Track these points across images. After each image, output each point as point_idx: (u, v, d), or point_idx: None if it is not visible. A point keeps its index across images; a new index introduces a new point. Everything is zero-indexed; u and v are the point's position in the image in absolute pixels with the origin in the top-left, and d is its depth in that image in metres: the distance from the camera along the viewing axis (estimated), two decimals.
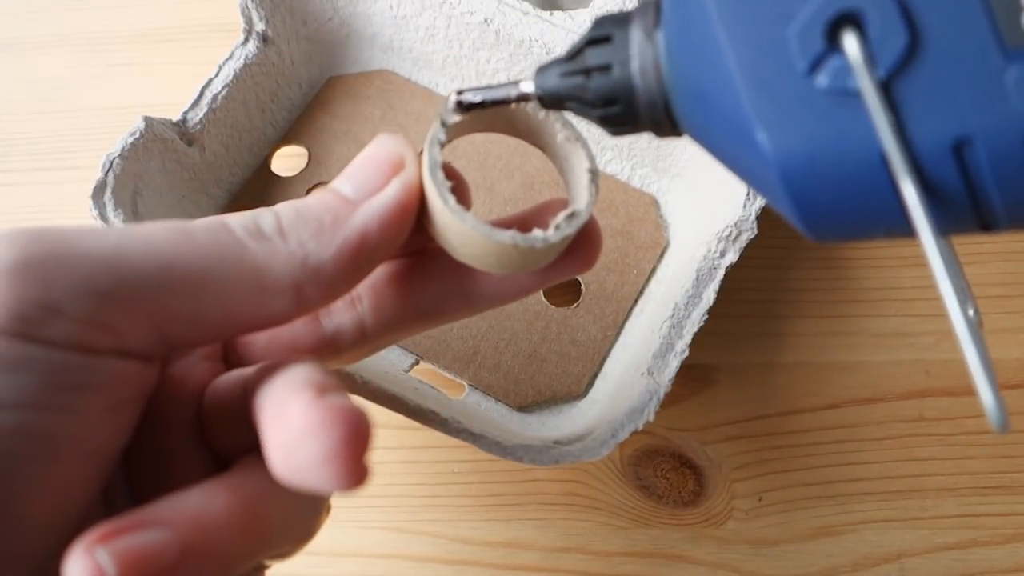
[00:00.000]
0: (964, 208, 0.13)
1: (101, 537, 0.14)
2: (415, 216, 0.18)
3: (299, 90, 0.36)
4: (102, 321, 0.15)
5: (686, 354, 0.28)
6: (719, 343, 0.33)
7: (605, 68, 0.16)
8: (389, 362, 0.31)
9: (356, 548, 0.31)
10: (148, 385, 0.17)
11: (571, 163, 0.19)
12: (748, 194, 0.30)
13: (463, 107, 0.18)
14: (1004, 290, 0.34)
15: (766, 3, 0.14)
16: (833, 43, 0.13)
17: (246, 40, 0.33)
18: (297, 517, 0.18)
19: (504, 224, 0.18)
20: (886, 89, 0.13)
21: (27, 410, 0.14)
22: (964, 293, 0.14)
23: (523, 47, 0.33)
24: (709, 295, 0.29)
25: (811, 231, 0.15)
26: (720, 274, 0.29)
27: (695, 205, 0.33)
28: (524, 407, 0.31)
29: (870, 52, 0.13)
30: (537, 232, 0.17)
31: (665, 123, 0.16)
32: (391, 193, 0.17)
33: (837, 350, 0.33)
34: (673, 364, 0.28)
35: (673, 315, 0.29)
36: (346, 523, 0.31)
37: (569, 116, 0.19)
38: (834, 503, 0.31)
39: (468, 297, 0.20)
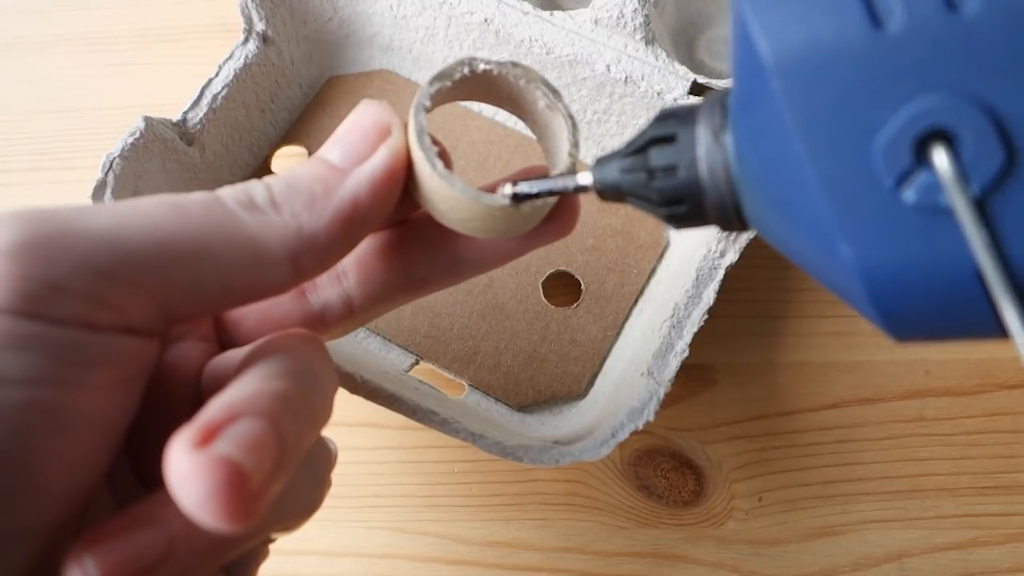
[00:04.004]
0: None
1: (88, 543, 0.15)
2: (403, 182, 0.18)
3: (299, 90, 0.36)
4: (105, 298, 0.15)
5: (686, 354, 0.28)
6: (719, 343, 0.33)
7: (670, 169, 0.16)
8: (389, 362, 0.31)
9: (357, 548, 0.31)
10: (152, 360, 0.17)
11: (551, 130, 0.19)
12: None
13: (518, 199, 0.18)
14: None
15: (848, 115, 0.13)
16: (921, 158, 0.13)
17: (246, 40, 0.33)
18: (295, 498, 0.18)
19: (487, 190, 0.18)
20: (980, 206, 0.12)
21: (39, 386, 0.15)
22: None
23: (523, 47, 0.33)
24: (709, 295, 0.29)
25: (896, 336, 0.14)
26: (720, 274, 0.29)
27: None
28: (524, 407, 0.31)
29: (962, 168, 0.12)
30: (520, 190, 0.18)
31: (735, 221, 0.16)
32: (380, 160, 0.18)
33: (837, 350, 0.33)
34: (673, 364, 0.28)
35: (673, 315, 0.29)
36: (347, 523, 0.31)
37: (554, 83, 0.19)
38: (834, 503, 0.31)
39: (454, 265, 0.20)
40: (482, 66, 0.18)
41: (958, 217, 0.12)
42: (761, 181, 0.15)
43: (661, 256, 0.33)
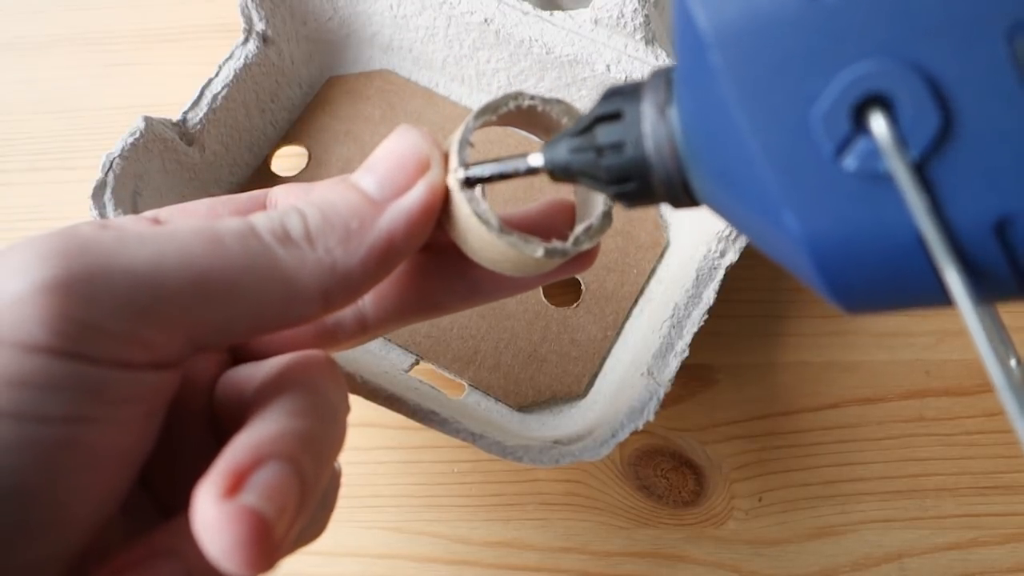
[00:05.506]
0: (1008, 282, 0.13)
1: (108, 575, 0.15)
2: (438, 217, 0.18)
3: (299, 90, 0.36)
4: (140, 337, 0.15)
5: (686, 354, 0.28)
6: (719, 343, 0.33)
7: (617, 146, 0.16)
8: (389, 362, 0.31)
9: (357, 548, 0.31)
10: (174, 387, 0.17)
11: None
12: None
13: (471, 183, 0.17)
14: None
15: (786, 85, 0.13)
16: (860, 124, 0.13)
17: (246, 40, 0.33)
18: (306, 526, 0.18)
19: (512, 223, 0.18)
20: (920, 170, 0.12)
21: (73, 424, 0.15)
22: (1006, 348, 0.14)
23: (523, 47, 0.33)
24: (709, 295, 0.29)
25: (843, 306, 0.14)
26: (720, 274, 0.29)
27: None
28: (524, 407, 0.31)
29: (900, 133, 0.12)
30: (557, 243, 0.18)
31: (683, 197, 0.16)
32: (418, 196, 0.17)
33: (837, 350, 0.33)
34: (673, 364, 0.28)
35: (673, 315, 0.29)
36: (347, 523, 0.31)
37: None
38: (834, 503, 0.31)
39: (470, 293, 0.21)
40: (527, 102, 0.18)
41: (898, 183, 0.12)
42: (706, 154, 0.15)
43: (661, 256, 0.33)
